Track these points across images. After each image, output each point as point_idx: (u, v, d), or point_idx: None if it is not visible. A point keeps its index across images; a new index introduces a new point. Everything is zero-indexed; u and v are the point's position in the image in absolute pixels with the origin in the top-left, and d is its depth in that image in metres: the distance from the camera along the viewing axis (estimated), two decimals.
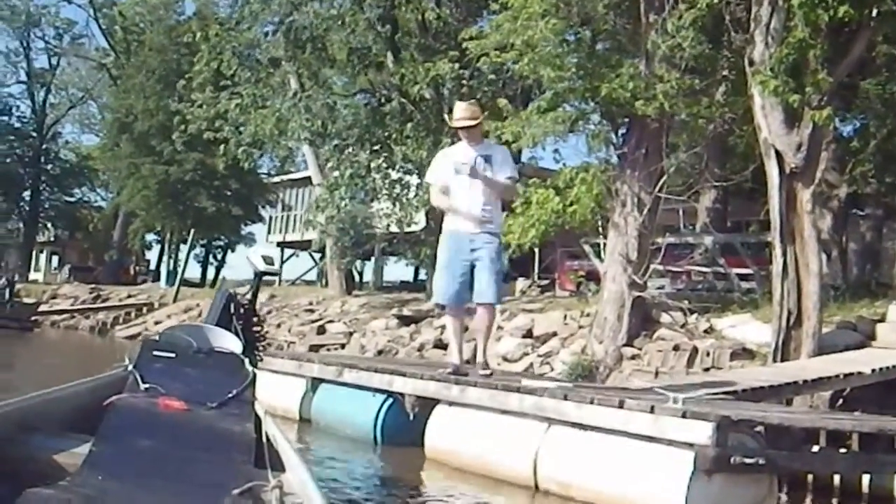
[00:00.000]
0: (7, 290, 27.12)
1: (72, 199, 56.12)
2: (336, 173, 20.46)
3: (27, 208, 53.84)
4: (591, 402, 5.33)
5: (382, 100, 19.63)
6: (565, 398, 5.50)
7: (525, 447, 5.66)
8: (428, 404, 6.68)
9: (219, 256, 50.56)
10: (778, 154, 9.84)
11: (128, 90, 38.78)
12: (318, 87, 20.08)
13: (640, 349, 11.13)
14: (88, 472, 2.65)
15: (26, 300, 30.02)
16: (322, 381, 7.96)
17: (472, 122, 7.34)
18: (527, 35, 11.58)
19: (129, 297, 33.24)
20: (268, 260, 4.69)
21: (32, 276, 51.12)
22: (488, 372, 7.03)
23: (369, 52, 19.65)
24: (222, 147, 20.57)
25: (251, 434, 3.19)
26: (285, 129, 19.04)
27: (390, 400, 7.06)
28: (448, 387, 6.42)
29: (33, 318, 27.64)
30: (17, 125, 54.45)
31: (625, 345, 11.19)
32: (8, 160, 52.72)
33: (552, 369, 11.64)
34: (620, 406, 5.13)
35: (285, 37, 19.59)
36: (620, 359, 11.07)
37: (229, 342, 4.02)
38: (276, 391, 8.42)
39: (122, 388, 3.37)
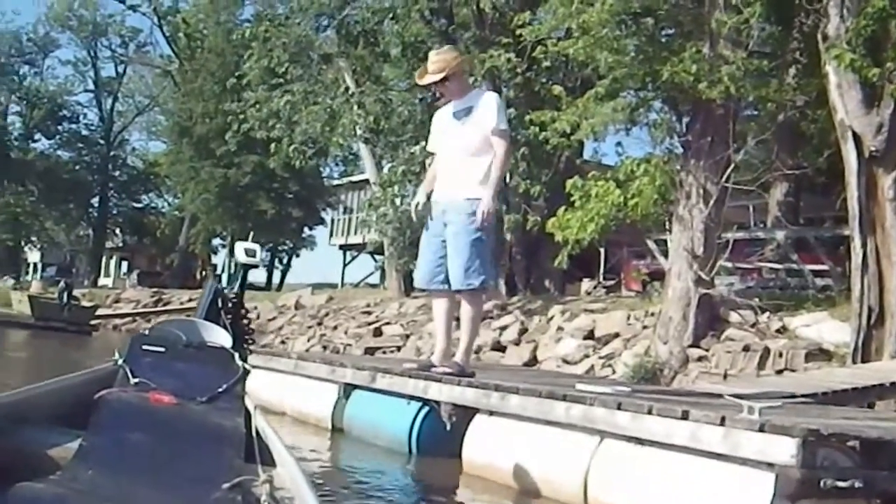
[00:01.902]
0: (65, 294, 27.35)
1: (139, 205, 57.13)
2: (390, 171, 19.98)
3: (96, 215, 54.86)
4: (650, 413, 4.55)
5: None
6: (619, 407, 4.75)
7: (574, 464, 4.91)
8: (466, 413, 5.98)
9: (284, 260, 50.89)
10: (856, 137, 9.16)
11: (187, 94, 38.99)
12: (371, 83, 19.65)
13: (707, 350, 10.46)
14: (78, 466, 2.62)
15: (85, 304, 30.22)
16: (355, 387, 7.31)
17: (436, 78, 6.22)
18: (582, 18, 11.00)
19: (190, 300, 33.34)
20: (249, 252, 4.52)
21: (102, 281, 52.06)
22: (450, 370, 6.17)
23: (423, 46, 19.14)
24: (273, 146, 20.27)
25: (241, 429, 3.14)
26: (336, 126, 18.65)
27: (426, 408, 6.36)
28: (487, 394, 5.69)
29: (92, 321, 27.75)
30: (86, 133, 55.66)
31: (691, 345, 10.54)
32: (77, 167, 53.97)
33: (614, 372, 11.08)
34: (684, 417, 4.34)
35: (337, 32, 19.23)
36: (686, 360, 10.42)
37: (219, 336, 3.94)
38: (308, 398, 7.85)
39: (112, 383, 3.31)
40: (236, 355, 3.68)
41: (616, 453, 4.78)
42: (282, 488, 2.72)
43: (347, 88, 19.51)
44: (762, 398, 4.94)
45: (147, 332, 4.00)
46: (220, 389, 3.38)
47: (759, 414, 4.01)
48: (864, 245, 9.03)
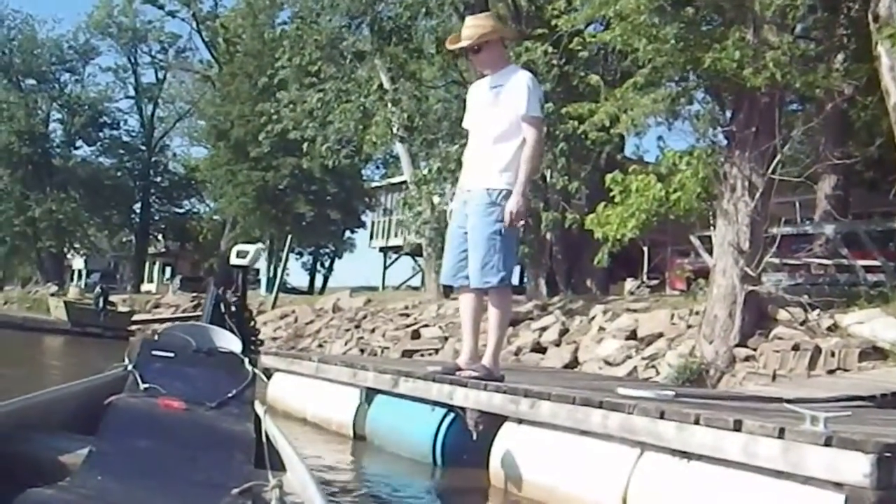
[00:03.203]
0: (101, 299, 27.32)
1: (181, 211, 57.29)
2: (425, 169, 19.62)
3: (138, 221, 55.16)
4: (696, 423, 4.03)
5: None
6: (662, 416, 4.22)
7: (611, 479, 4.44)
8: (494, 421, 5.50)
9: (326, 264, 50.88)
10: None
11: (224, 97, 38.96)
12: (405, 80, 19.30)
13: (754, 349, 9.97)
14: (88, 472, 2.66)
15: (121, 309, 30.21)
16: (378, 391, 6.87)
17: (465, 44, 5.69)
18: (619, 5, 10.57)
19: None
20: (241, 253, 4.67)
21: (145, 286, 52.33)
22: (476, 374, 5.70)
23: None
24: (305, 145, 20.01)
25: (251, 434, 3.19)
26: (370, 125, 18.32)
27: (451, 415, 5.89)
28: (516, 400, 5.19)
29: (129, 326, 27.71)
30: (127, 139, 56.00)
31: (737, 345, 10.06)
32: (119, 174, 54.28)
33: (657, 373, 10.67)
34: (737, 428, 3.81)
35: (370, 29, 18.92)
36: (733, 360, 9.95)
37: (229, 341, 4.01)
38: (330, 403, 7.44)
39: (121, 388, 3.38)
40: (246, 360, 3.74)
41: (659, 467, 4.29)
42: (292, 493, 2.73)
43: (381, 86, 19.17)
44: (820, 403, 4.46)
45: (157, 337, 4.06)
46: (230, 394, 3.43)
47: (824, 425, 3.49)
48: None
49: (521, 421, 5.27)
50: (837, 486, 3.40)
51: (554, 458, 4.94)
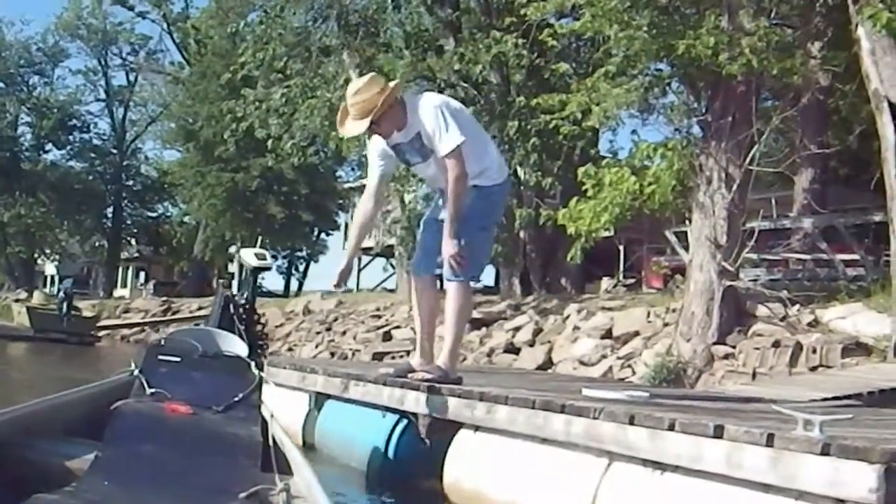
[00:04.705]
0: (64, 304, 26.72)
1: (154, 215, 56.67)
2: None
3: (110, 225, 54.38)
4: (671, 429, 3.54)
5: (443, 85, 18.29)
6: (632, 422, 3.73)
7: (576, 492, 3.96)
8: (448, 428, 5.01)
9: (300, 268, 50.47)
10: (892, 107, 8.54)
11: (193, 97, 38.48)
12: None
13: (733, 347, 9.77)
14: (94, 477, 2.68)
15: (86, 314, 29.65)
16: (328, 396, 6.38)
17: (363, 127, 4.95)
18: None
19: (200, 308, 32.93)
20: (259, 256, 4.82)
21: (118, 292, 51.60)
22: (430, 375, 5.17)
23: (425, 34, 18.44)
24: (270, 142, 19.55)
25: (257, 438, 3.21)
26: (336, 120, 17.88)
27: (404, 421, 5.40)
28: (471, 405, 4.69)
29: (95, 332, 27.23)
30: (97, 142, 55.25)
31: (716, 343, 9.85)
32: (90, 177, 53.44)
33: (634, 373, 10.51)
34: (718, 435, 3.33)
35: (336, 22, 18.50)
36: (711, 359, 9.76)
37: (235, 345, 4.04)
38: (278, 409, 6.89)
39: (128, 393, 3.42)
40: (252, 364, 3.80)
41: (629, 480, 3.82)
42: (299, 497, 2.74)
43: (348, 81, 18.72)
44: (804, 403, 4.03)
45: (163, 341, 4.09)
46: (236, 399, 3.47)
47: (819, 430, 2.99)
48: None
49: (477, 428, 4.79)
50: (838, 501, 2.93)
51: (513, 469, 4.45)
